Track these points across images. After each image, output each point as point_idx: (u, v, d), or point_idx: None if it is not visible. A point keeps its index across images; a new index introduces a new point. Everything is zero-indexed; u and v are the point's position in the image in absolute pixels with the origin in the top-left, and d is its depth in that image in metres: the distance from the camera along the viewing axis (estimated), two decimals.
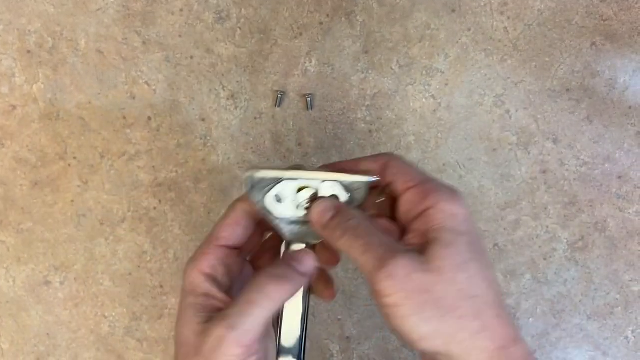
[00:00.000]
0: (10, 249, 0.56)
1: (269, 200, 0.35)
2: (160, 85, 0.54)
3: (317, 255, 0.36)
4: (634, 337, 0.58)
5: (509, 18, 0.54)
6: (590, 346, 0.58)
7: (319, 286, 0.39)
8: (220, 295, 0.35)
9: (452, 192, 0.34)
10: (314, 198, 0.35)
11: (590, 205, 0.56)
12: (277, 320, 0.37)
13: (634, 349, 0.58)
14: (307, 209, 0.36)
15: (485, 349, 0.30)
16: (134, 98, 0.55)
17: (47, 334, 0.58)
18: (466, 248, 0.32)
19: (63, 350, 0.58)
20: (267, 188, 0.35)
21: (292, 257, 0.35)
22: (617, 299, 0.57)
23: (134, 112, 0.55)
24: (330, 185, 0.35)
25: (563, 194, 0.56)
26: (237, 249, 0.37)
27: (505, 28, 0.54)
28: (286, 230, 0.36)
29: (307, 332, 0.37)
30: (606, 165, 0.56)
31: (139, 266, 0.57)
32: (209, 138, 0.55)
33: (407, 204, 0.34)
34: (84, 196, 0.56)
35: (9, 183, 0.55)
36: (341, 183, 0.35)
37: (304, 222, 0.36)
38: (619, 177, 0.56)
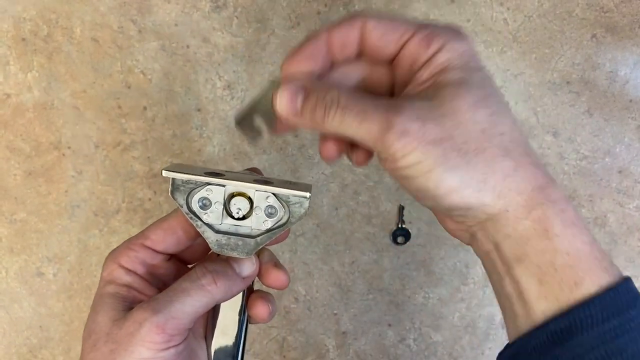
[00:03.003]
0: (3, 239, 0.56)
1: (195, 205, 0.32)
2: (155, 75, 0.54)
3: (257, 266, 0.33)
4: None
5: (508, 9, 0.54)
6: None
7: (254, 303, 0.34)
8: (145, 288, 0.32)
9: (456, 31, 0.28)
10: (248, 209, 0.32)
11: (590, 200, 0.56)
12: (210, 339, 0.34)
13: None
14: (239, 218, 0.32)
15: (521, 191, 0.27)
16: (129, 87, 0.54)
17: (40, 326, 0.57)
18: (483, 83, 0.27)
19: (56, 343, 0.57)
20: (193, 191, 0.32)
21: (231, 258, 0.32)
22: None
23: (129, 101, 0.54)
24: (265, 196, 0.32)
25: (562, 188, 0.55)
26: (166, 255, 0.34)
27: (505, 19, 0.54)
28: (212, 239, 0.32)
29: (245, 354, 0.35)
30: (606, 160, 0.55)
31: None
32: (204, 129, 0.55)
33: (407, 60, 0.29)
34: (78, 186, 0.55)
35: (2, 172, 0.55)
36: (276, 195, 0.32)
37: (233, 233, 0.32)
38: (619, 172, 0.55)
